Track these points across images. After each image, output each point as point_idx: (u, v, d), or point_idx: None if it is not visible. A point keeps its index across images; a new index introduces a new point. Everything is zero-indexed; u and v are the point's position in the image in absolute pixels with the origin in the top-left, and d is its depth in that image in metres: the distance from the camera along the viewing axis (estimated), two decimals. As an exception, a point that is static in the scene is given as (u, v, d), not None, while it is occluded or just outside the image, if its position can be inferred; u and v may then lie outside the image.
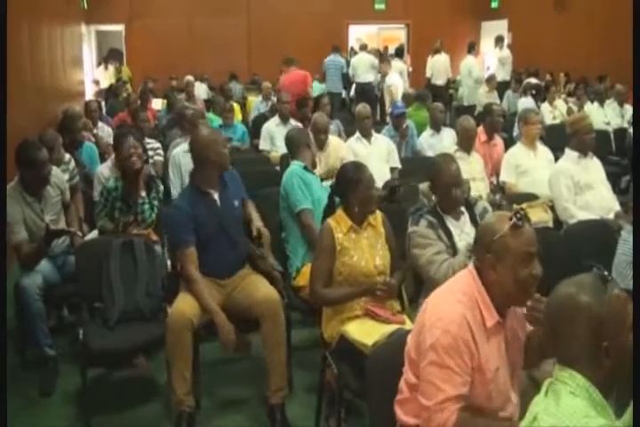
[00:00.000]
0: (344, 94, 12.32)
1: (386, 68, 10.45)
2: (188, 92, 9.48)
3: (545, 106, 8.75)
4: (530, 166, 5.02)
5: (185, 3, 14.94)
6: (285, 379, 3.18)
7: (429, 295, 2.11)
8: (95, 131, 6.36)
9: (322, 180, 4.24)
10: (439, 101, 7.28)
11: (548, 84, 10.37)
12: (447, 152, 3.71)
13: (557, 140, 5.82)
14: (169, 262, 4.07)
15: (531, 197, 4.43)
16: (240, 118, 8.85)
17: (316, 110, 6.58)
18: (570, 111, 8.56)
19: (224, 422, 3.25)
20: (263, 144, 6.59)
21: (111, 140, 5.36)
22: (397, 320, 2.82)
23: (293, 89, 8.00)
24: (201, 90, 11.97)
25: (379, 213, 3.13)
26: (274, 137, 6.49)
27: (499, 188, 5.19)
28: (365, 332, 2.74)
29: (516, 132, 6.92)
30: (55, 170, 3.99)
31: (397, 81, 10.43)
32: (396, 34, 16.72)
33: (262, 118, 7.83)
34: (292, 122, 6.54)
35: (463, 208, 3.19)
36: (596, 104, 8.34)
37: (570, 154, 4.52)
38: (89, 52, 14.54)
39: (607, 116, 8.15)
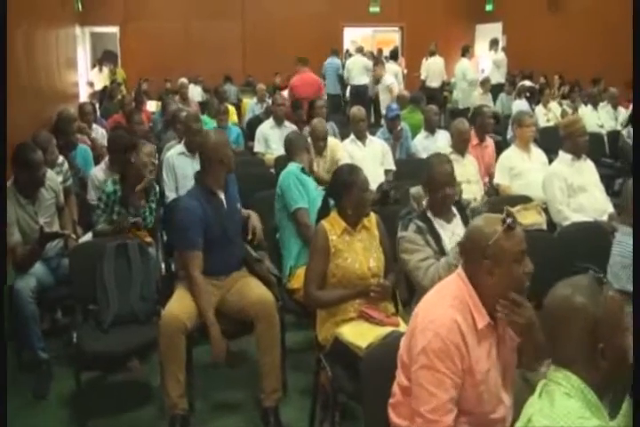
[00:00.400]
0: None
1: (380, 71, 10.45)
2: (182, 94, 9.47)
3: (539, 108, 8.78)
4: (524, 169, 5.04)
5: (179, 5, 14.93)
6: (279, 381, 3.18)
7: (420, 300, 2.11)
8: (92, 134, 6.34)
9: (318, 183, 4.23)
10: (434, 104, 7.29)
11: (542, 86, 10.40)
12: (440, 153, 3.70)
13: (551, 142, 5.83)
14: (163, 265, 4.08)
15: (525, 200, 4.43)
16: (235, 120, 8.83)
17: (311, 113, 6.58)
18: (564, 113, 8.58)
19: (218, 425, 3.24)
20: (258, 146, 6.59)
21: (105, 143, 5.36)
22: (392, 322, 2.82)
23: (304, 92, 7.99)
24: (195, 92, 11.95)
25: (373, 216, 3.13)
26: (268, 139, 6.49)
27: (493, 190, 5.20)
28: (360, 334, 2.74)
29: (510, 135, 6.94)
30: (49, 172, 3.98)
31: (393, 83, 10.43)
32: (390, 36, 16.76)
33: (257, 120, 7.82)
34: (287, 124, 6.55)
35: (455, 210, 3.19)
36: (589, 107, 8.37)
37: (563, 156, 4.54)
38: (83, 54, 14.51)
39: (601, 118, 8.19)
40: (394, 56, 12.53)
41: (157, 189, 4.26)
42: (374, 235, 3.08)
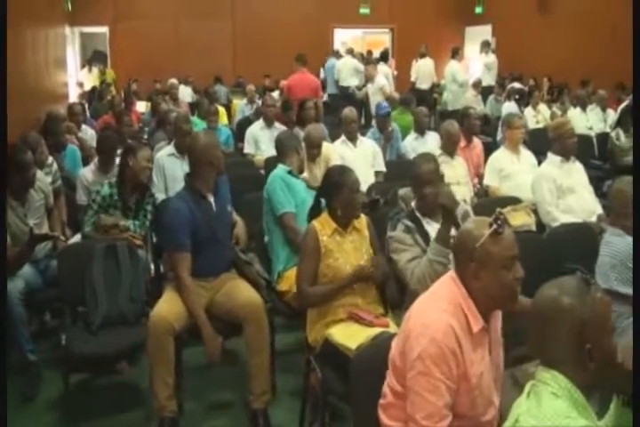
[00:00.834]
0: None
1: (372, 72, 10.45)
2: (172, 95, 9.45)
3: (528, 110, 8.82)
4: (513, 170, 5.06)
5: (169, 5, 14.90)
6: (268, 383, 3.17)
7: (413, 302, 2.10)
8: (80, 134, 6.31)
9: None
10: (423, 106, 7.31)
11: (531, 88, 10.44)
12: (427, 152, 3.71)
13: (541, 144, 5.86)
14: (152, 266, 4.07)
15: (514, 201, 4.45)
16: (225, 121, 8.82)
17: (301, 114, 6.58)
18: (553, 115, 8.63)
19: (208, 427, 3.24)
20: (248, 148, 6.58)
21: (94, 144, 5.35)
22: (381, 323, 2.82)
23: (300, 93, 7.91)
24: (185, 93, 11.94)
25: (363, 217, 3.13)
26: (258, 140, 6.49)
27: (482, 191, 5.23)
28: (349, 335, 2.74)
29: (499, 137, 6.97)
30: (39, 173, 3.96)
31: (386, 84, 10.43)
32: (380, 38, 16.79)
33: (247, 121, 7.81)
34: (277, 125, 6.54)
35: None
36: (578, 109, 8.42)
37: (552, 158, 4.56)
38: (73, 54, 14.44)
39: (589, 120, 8.23)
40: (384, 58, 12.53)
41: (151, 189, 4.26)
42: (365, 236, 3.09)
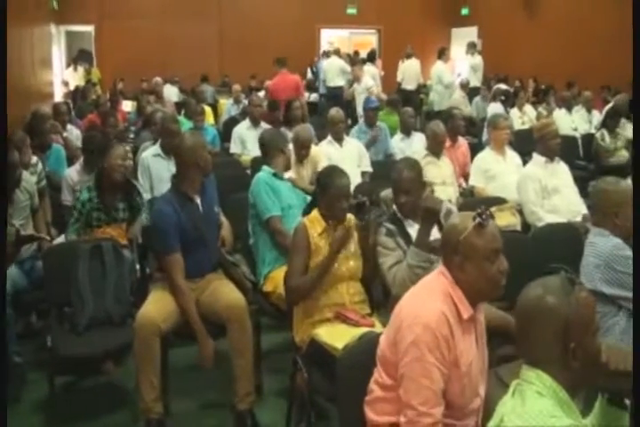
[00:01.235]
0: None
1: (359, 72, 10.46)
2: (157, 93, 9.41)
3: (514, 111, 8.87)
4: (499, 171, 5.09)
5: (156, 4, 14.84)
6: (253, 384, 3.16)
7: (396, 304, 2.12)
8: (65, 133, 6.28)
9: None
10: (409, 106, 7.33)
11: (516, 90, 10.50)
12: (410, 157, 3.71)
13: (526, 145, 5.89)
14: (138, 267, 4.05)
15: (499, 201, 4.48)
16: (211, 121, 8.80)
17: (288, 114, 6.58)
18: (539, 115, 8.69)
19: (194, 429, 3.23)
20: (234, 147, 6.56)
21: (80, 143, 5.31)
22: (367, 323, 2.83)
23: (283, 94, 7.97)
24: (172, 92, 11.89)
25: (351, 218, 3.13)
26: (245, 140, 6.47)
27: (468, 192, 5.25)
28: (336, 335, 2.74)
29: (485, 137, 7.00)
30: (24, 173, 3.93)
31: (373, 85, 10.42)
32: (367, 39, 16.81)
33: (233, 121, 7.80)
34: (263, 125, 6.52)
35: None
36: (563, 110, 8.48)
37: (537, 159, 4.59)
38: (58, 53, 14.35)
39: (575, 121, 8.29)
40: (371, 58, 12.54)
41: (140, 189, 4.23)
42: (353, 236, 3.08)
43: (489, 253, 1.99)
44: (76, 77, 13.58)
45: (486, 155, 5.24)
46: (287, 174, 4.25)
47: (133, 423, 3.19)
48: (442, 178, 4.94)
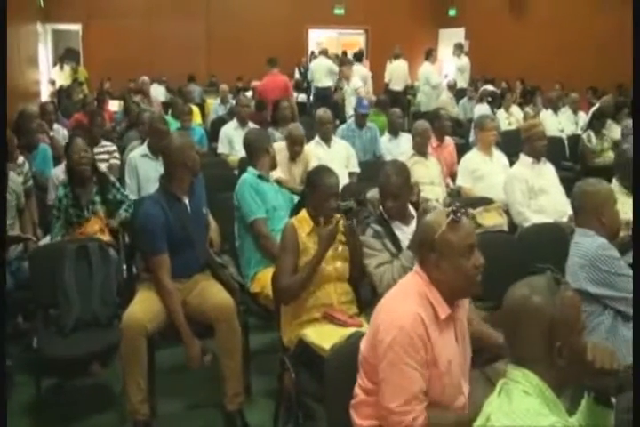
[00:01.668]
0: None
1: (348, 73, 10.45)
2: (144, 92, 9.37)
3: (501, 112, 8.91)
4: (486, 171, 5.12)
5: (143, 3, 14.77)
6: (242, 384, 3.16)
7: (380, 300, 2.13)
8: (51, 133, 6.24)
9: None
10: (397, 107, 7.35)
11: (503, 91, 10.55)
12: (398, 160, 3.71)
13: (513, 145, 5.92)
14: (125, 267, 4.03)
15: (486, 202, 4.50)
16: (199, 121, 8.78)
17: (276, 114, 6.57)
18: (527, 115, 8.73)
19: (182, 430, 3.22)
20: (221, 148, 6.55)
21: (66, 143, 5.28)
22: (355, 323, 2.84)
23: (272, 94, 7.98)
24: (159, 92, 11.84)
25: (339, 217, 3.12)
26: (232, 140, 6.45)
27: (456, 192, 5.27)
28: (324, 335, 2.75)
29: (472, 138, 7.03)
30: (11, 174, 3.91)
31: (361, 87, 10.38)
32: (355, 39, 16.83)
33: (221, 121, 7.78)
34: (251, 125, 6.52)
35: (413, 211, 3.22)
36: (550, 111, 8.53)
37: (524, 159, 4.62)
38: (45, 52, 14.26)
39: (561, 123, 8.34)
40: (358, 59, 12.54)
41: (117, 183, 4.22)
42: (340, 237, 3.08)
43: (464, 249, 1.99)
44: (62, 76, 13.48)
45: (473, 155, 5.26)
46: (275, 174, 4.24)
47: (120, 425, 3.18)
48: (429, 178, 4.96)
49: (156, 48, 14.48)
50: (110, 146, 5.70)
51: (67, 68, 13.80)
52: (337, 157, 5.61)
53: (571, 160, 7.37)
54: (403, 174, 3.15)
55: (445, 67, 14.57)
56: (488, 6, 14.33)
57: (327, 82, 11.27)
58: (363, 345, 2.11)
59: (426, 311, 1.99)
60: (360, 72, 11.06)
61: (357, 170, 5.72)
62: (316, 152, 5.55)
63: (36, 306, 3.48)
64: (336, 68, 11.18)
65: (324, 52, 12.47)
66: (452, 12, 15.95)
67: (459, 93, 10.88)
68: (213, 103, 10.44)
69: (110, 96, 10.62)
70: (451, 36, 15.14)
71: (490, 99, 9.59)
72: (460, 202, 4.52)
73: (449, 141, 5.98)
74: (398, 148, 6.20)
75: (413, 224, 3.13)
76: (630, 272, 2.72)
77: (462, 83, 11.76)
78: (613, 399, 1.72)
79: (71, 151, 3.90)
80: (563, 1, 12.22)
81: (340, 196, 3.14)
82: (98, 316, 3.34)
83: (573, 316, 1.58)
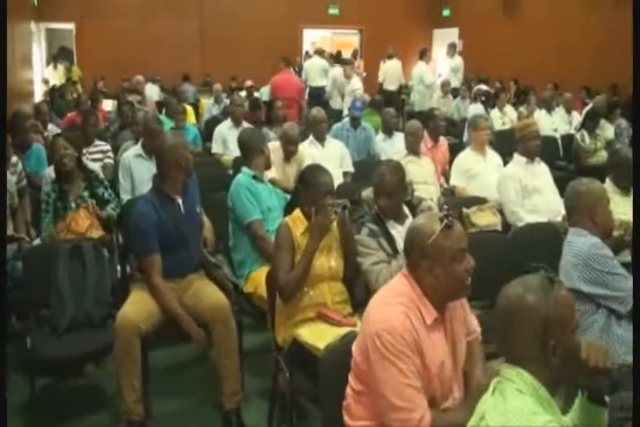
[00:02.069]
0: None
1: (350, 72, 10.42)
2: (139, 91, 9.34)
3: (494, 112, 8.93)
4: (479, 171, 5.13)
5: (138, 2, 14.73)
6: (239, 383, 3.16)
7: (369, 303, 2.13)
8: (45, 133, 6.22)
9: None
10: (391, 107, 7.36)
11: (497, 91, 10.58)
12: (393, 160, 3.72)
13: (507, 145, 5.94)
14: (119, 267, 4.02)
15: (480, 201, 4.51)
16: (193, 121, 8.77)
17: (270, 113, 6.57)
18: (521, 115, 8.76)
19: (176, 430, 3.21)
20: (216, 147, 6.54)
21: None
22: (349, 323, 2.83)
23: (285, 93, 8.06)
24: (153, 91, 11.82)
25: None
26: (226, 140, 6.45)
27: (449, 191, 5.28)
28: (318, 335, 2.75)
29: (465, 138, 7.04)
30: (4, 173, 3.90)
31: (360, 88, 10.32)
32: (349, 39, 16.83)
33: (215, 121, 7.77)
34: (245, 125, 6.51)
35: (407, 211, 3.22)
36: (544, 111, 8.55)
37: (518, 159, 4.63)
38: (39, 51, 14.21)
39: (555, 122, 8.37)
40: (337, 60, 12.44)
41: (105, 181, 4.23)
42: (335, 235, 3.08)
43: (457, 253, 1.99)
44: (56, 76, 13.44)
45: (467, 155, 5.27)
46: (269, 174, 4.23)
47: (115, 425, 3.17)
48: (423, 177, 4.97)
49: (150, 47, 14.44)
50: (104, 145, 5.69)
51: (60, 67, 13.76)
52: (331, 156, 5.60)
53: (564, 160, 7.40)
54: (398, 174, 3.16)
55: (439, 66, 14.59)
56: (482, 6, 14.35)
57: (321, 81, 11.27)
58: (354, 349, 2.11)
59: (414, 313, 1.99)
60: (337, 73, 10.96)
61: (351, 169, 5.72)
62: (310, 152, 5.55)
63: (30, 306, 3.47)
64: (330, 68, 11.18)
65: (319, 52, 12.47)
66: (445, 13, 15.97)
67: (452, 93, 10.90)
68: (207, 103, 10.43)
69: (104, 95, 10.60)
70: (445, 36, 15.16)
71: (483, 98, 9.62)
72: (454, 201, 4.56)
73: (443, 142, 6.01)
74: (392, 147, 6.20)
75: (407, 223, 3.12)
76: (623, 271, 2.73)
77: (456, 83, 11.77)
78: (607, 398, 1.73)
79: (55, 150, 4.01)
80: (556, 1, 12.25)
81: (334, 194, 3.14)
82: (91, 316, 3.33)
83: (567, 314, 1.58)
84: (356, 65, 12.38)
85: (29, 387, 3.17)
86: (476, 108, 8.99)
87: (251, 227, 3.68)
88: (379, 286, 2.85)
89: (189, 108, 8.56)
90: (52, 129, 6.55)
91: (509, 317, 1.59)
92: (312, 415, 2.95)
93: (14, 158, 4.59)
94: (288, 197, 3.87)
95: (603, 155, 6.72)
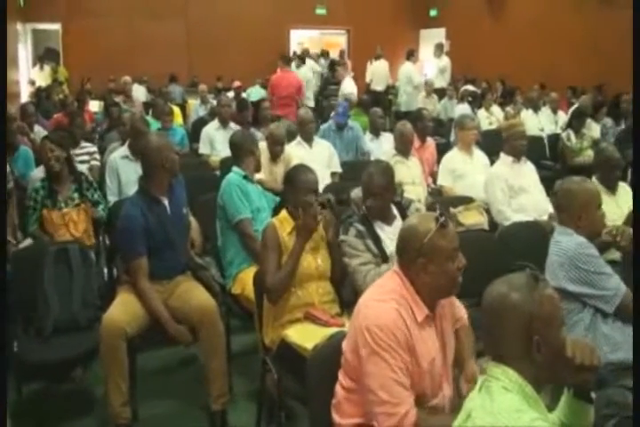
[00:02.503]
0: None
1: (343, 73, 10.42)
2: (126, 92, 9.30)
3: (481, 112, 8.97)
4: (466, 170, 5.15)
5: (124, 3, 14.63)
6: (226, 385, 3.15)
7: (359, 300, 2.14)
8: (32, 135, 6.17)
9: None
10: (378, 107, 7.36)
11: (484, 91, 10.62)
12: (383, 161, 3.72)
13: (493, 145, 5.96)
14: (105, 270, 4.00)
15: (467, 200, 4.53)
16: (180, 122, 8.74)
17: (257, 114, 6.56)
18: (507, 114, 8.79)
19: (163, 433, 3.20)
20: (203, 148, 6.51)
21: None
22: (337, 323, 2.83)
23: (284, 91, 8.17)
24: (139, 92, 11.77)
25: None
26: (214, 141, 6.42)
27: (437, 191, 5.30)
28: (306, 335, 2.74)
29: (453, 138, 7.06)
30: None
31: (353, 93, 10.27)
32: (336, 39, 16.84)
33: (202, 122, 7.74)
34: (232, 125, 6.50)
35: (396, 212, 3.22)
36: (530, 111, 8.59)
37: (504, 158, 4.65)
38: (25, 52, 14.11)
39: (541, 122, 8.41)
40: (303, 60, 12.45)
41: (94, 183, 4.22)
42: (321, 234, 3.08)
43: (451, 252, 2.02)
44: (42, 77, 13.34)
45: (454, 155, 5.29)
46: (257, 175, 4.23)
47: (102, 429, 3.15)
48: (411, 178, 4.98)
49: (136, 48, 14.35)
50: (90, 147, 5.66)
51: (47, 68, 13.66)
52: (319, 157, 5.60)
53: (551, 159, 7.44)
54: (386, 174, 3.16)
55: (426, 67, 14.62)
56: (468, 7, 14.40)
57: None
58: (344, 345, 2.11)
59: (406, 311, 2.00)
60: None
61: (339, 170, 5.72)
62: (297, 152, 5.54)
63: (16, 309, 3.44)
64: (318, 68, 11.19)
65: (306, 53, 12.47)
66: (433, 13, 16.01)
67: (439, 93, 10.93)
68: (194, 104, 10.40)
69: (90, 96, 10.54)
70: (432, 37, 15.19)
71: (470, 99, 9.65)
72: (441, 201, 4.57)
73: (430, 142, 6.01)
74: (380, 148, 6.21)
75: (395, 224, 3.14)
76: (609, 270, 2.74)
77: (443, 83, 11.81)
78: (593, 395, 1.74)
79: (42, 152, 4.04)
80: (543, 2, 12.31)
81: (319, 193, 3.14)
82: (78, 319, 3.30)
83: (552, 312, 1.59)
84: (349, 67, 12.36)
85: (16, 392, 3.14)
86: (462, 109, 9.03)
87: (240, 225, 3.67)
88: (366, 286, 2.85)
89: (176, 109, 8.53)
90: (39, 130, 6.50)
91: (494, 315, 1.60)
92: (300, 417, 2.94)
93: (0, 160, 4.56)
94: (277, 199, 3.86)
95: (589, 154, 6.75)
